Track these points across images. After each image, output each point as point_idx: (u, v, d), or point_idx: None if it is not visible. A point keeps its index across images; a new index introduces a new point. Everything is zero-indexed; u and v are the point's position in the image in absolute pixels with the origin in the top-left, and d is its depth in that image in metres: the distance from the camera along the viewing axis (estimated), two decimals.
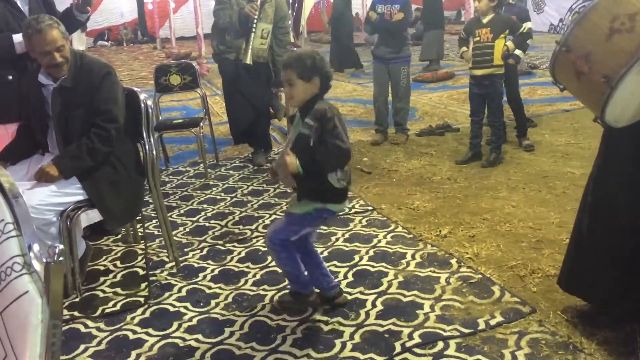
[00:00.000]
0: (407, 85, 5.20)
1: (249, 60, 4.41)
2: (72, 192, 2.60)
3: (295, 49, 6.21)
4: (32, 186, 2.56)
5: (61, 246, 0.95)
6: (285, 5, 4.79)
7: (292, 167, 2.19)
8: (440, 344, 2.21)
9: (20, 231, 1.04)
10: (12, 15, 2.94)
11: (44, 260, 0.96)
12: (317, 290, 2.53)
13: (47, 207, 2.49)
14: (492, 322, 2.33)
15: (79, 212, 2.64)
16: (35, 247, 1.01)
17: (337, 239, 3.20)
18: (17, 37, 2.88)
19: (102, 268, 3.03)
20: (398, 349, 2.20)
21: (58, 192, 2.55)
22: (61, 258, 0.95)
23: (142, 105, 2.81)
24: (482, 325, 2.31)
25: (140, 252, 3.21)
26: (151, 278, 2.88)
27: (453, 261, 2.87)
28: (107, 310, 2.60)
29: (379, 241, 3.15)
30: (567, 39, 1.94)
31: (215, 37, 4.64)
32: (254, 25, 4.37)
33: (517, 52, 4.40)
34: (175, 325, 2.46)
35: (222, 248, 3.20)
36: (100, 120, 2.66)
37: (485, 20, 4.28)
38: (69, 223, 2.58)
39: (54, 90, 2.68)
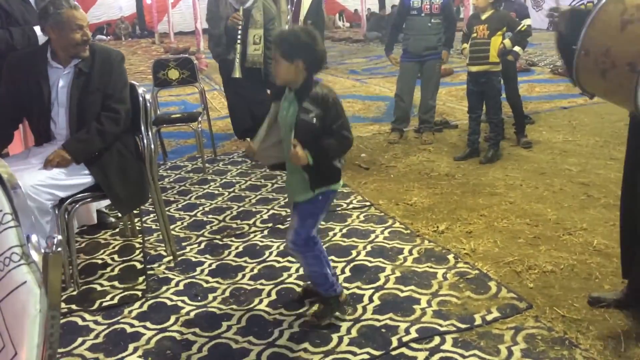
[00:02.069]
0: (438, 81, 5.19)
1: (238, 74, 4.41)
2: (72, 179, 2.59)
3: None
4: (35, 167, 2.55)
5: (59, 237, 0.95)
6: (274, 6, 4.72)
7: (303, 160, 2.11)
8: (437, 339, 2.22)
9: (18, 222, 1.05)
10: (27, 10, 2.95)
11: (42, 250, 0.96)
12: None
13: (45, 190, 2.47)
14: (489, 318, 2.34)
15: (77, 205, 2.64)
16: (34, 237, 1.01)
17: (335, 234, 3.21)
18: (39, 29, 2.89)
19: (99, 261, 3.03)
20: (395, 343, 2.21)
21: (57, 178, 2.54)
22: (59, 249, 0.95)
23: (140, 99, 2.81)
24: (478, 321, 2.32)
25: (138, 246, 3.21)
26: (149, 272, 2.89)
27: (450, 257, 2.88)
28: (104, 304, 2.60)
29: (377, 236, 3.16)
30: (583, 42, 1.95)
31: (212, 40, 4.70)
32: (238, 35, 4.36)
33: (516, 48, 4.41)
34: (172, 319, 2.46)
35: (220, 242, 3.20)
36: (111, 102, 2.71)
37: (483, 17, 4.29)
38: (66, 216, 2.58)
39: (74, 74, 2.68)
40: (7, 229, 1.03)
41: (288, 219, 3.41)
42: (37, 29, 2.91)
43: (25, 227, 1.04)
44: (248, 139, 2.43)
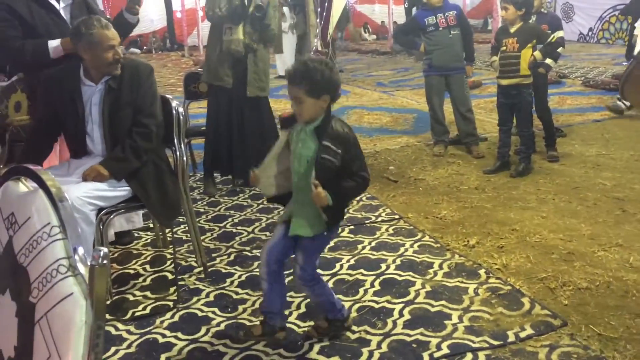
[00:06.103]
0: (468, 93, 5.17)
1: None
2: (114, 191, 2.64)
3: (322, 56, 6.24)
4: (77, 181, 2.61)
5: (105, 249, 0.97)
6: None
7: (324, 202, 2.07)
8: (469, 356, 2.19)
9: (65, 234, 1.08)
10: (54, 23, 3.02)
11: (89, 262, 0.98)
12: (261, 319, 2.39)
13: (90, 200, 2.51)
14: (522, 335, 2.30)
15: (112, 216, 2.70)
16: (80, 250, 1.04)
17: (364, 247, 3.20)
18: (52, 43, 2.96)
19: (132, 272, 3.09)
20: (426, 359, 2.19)
21: (101, 189, 2.58)
22: (105, 261, 0.97)
23: (174, 112, 2.87)
24: (511, 338, 2.28)
25: (169, 256, 3.25)
26: (180, 282, 2.92)
27: (481, 272, 2.84)
28: (137, 314, 2.64)
29: (406, 250, 3.14)
30: None
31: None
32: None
33: (548, 60, 4.36)
34: (203, 329, 2.48)
35: (249, 254, 3.22)
36: (141, 117, 2.74)
37: (512, 30, 4.25)
38: (101, 227, 2.63)
39: (105, 91, 2.74)
40: (55, 242, 1.06)
41: None
42: (52, 42, 2.95)
43: (72, 239, 1.07)
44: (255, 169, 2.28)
